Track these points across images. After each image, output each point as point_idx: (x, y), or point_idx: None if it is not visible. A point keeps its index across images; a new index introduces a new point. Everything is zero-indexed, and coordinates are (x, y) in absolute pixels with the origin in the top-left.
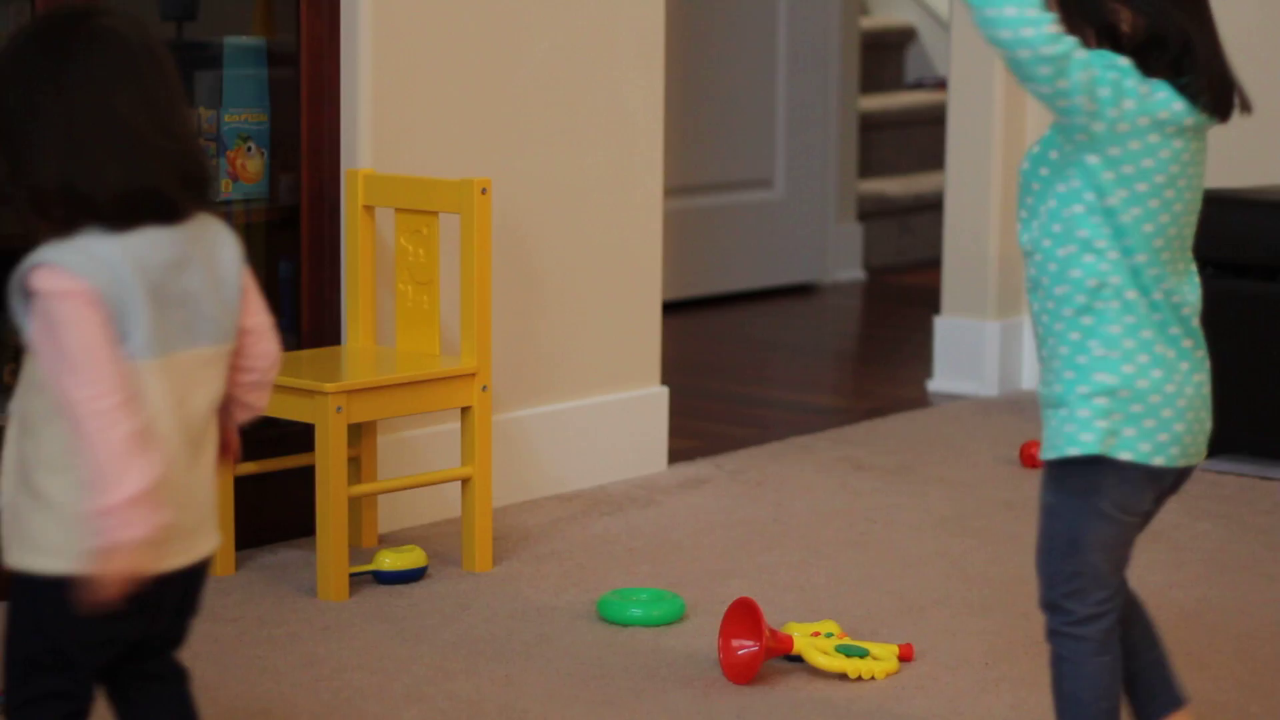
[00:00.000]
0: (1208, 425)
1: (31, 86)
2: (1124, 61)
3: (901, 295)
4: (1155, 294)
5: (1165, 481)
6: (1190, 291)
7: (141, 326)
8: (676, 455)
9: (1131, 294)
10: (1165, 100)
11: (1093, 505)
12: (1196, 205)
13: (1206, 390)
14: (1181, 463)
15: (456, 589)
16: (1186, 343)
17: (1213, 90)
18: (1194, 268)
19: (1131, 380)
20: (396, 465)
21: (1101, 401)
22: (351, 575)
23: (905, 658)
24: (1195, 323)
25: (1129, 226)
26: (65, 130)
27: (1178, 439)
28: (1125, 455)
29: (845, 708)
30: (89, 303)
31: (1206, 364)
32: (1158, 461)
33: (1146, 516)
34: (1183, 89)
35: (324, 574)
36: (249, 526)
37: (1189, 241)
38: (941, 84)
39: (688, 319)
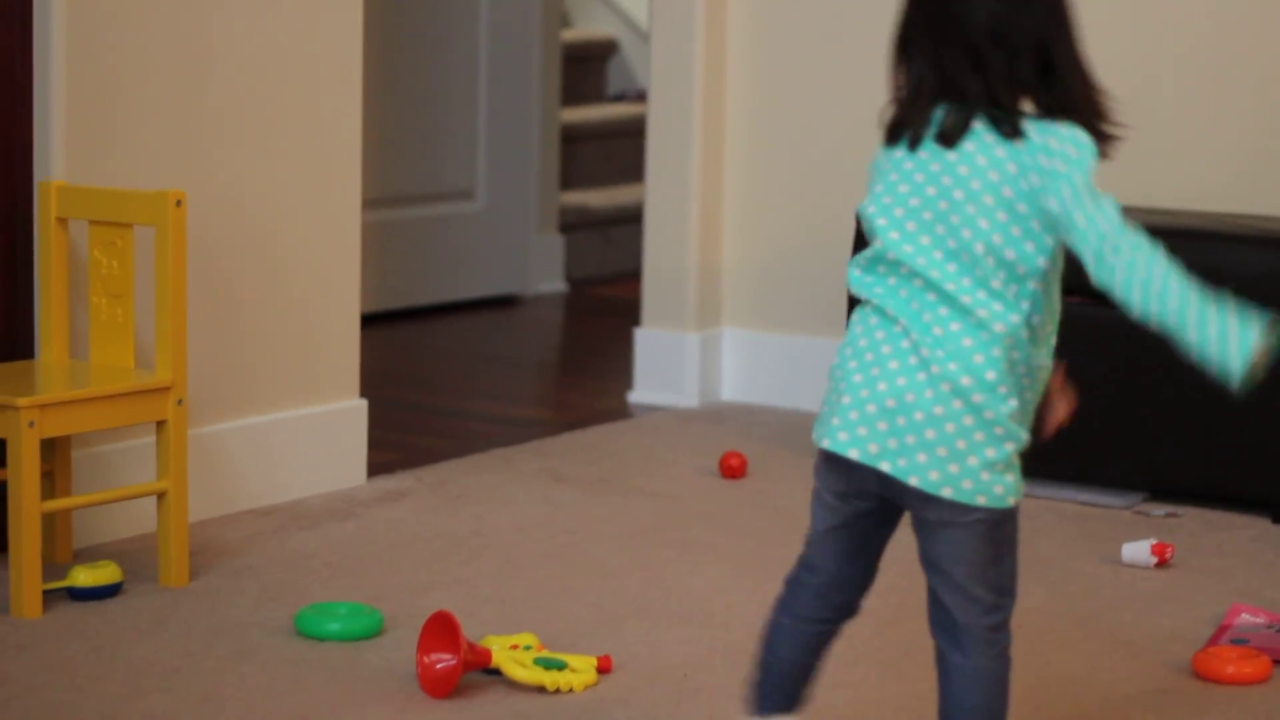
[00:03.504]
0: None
1: None
2: None
3: (603, 307)
4: None
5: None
6: None
7: None
8: (376, 468)
9: None
10: None
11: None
12: None
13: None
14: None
15: (152, 605)
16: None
17: None
18: None
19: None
20: (92, 480)
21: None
22: (45, 592)
23: (604, 669)
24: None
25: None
26: None
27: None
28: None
29: None
30: None
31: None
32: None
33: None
34: None
35: (16, 590)
36: None
37: None
38: (643, 96)
39: (388, 331)
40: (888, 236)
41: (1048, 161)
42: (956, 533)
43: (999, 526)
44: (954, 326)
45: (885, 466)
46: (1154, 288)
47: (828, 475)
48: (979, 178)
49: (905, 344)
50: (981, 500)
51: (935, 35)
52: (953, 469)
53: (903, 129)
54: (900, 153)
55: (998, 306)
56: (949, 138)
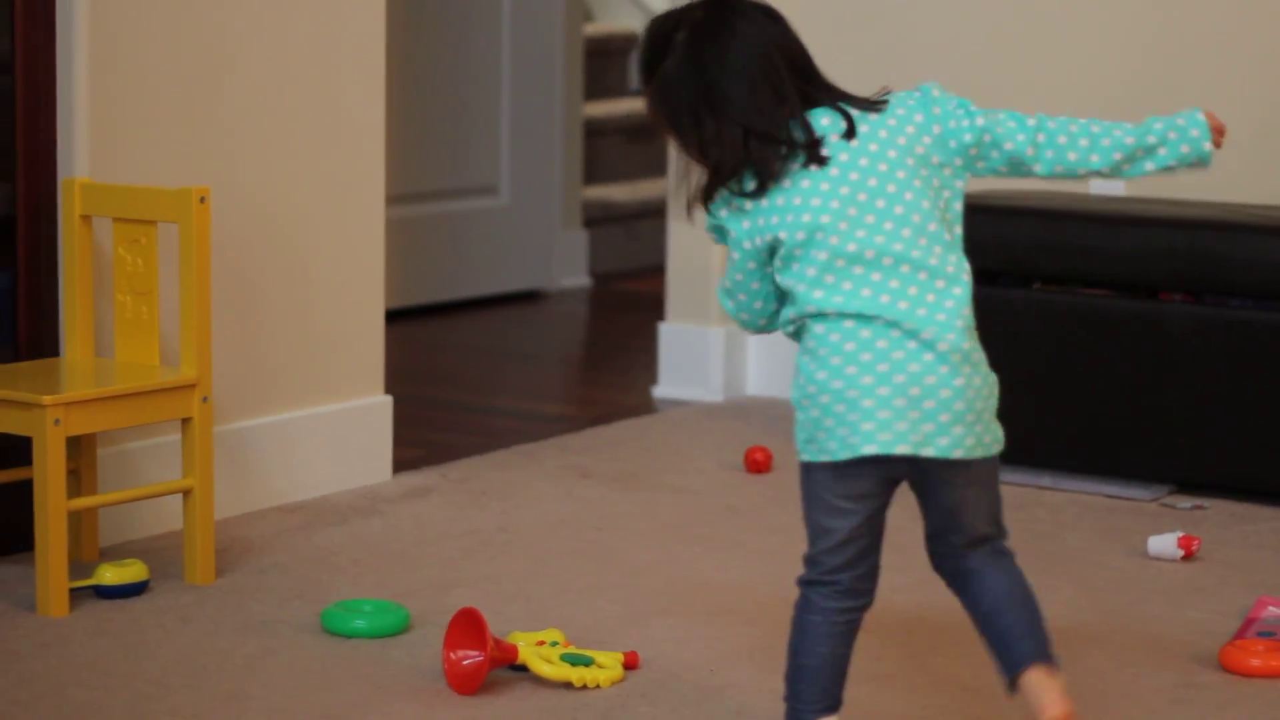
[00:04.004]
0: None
1: None
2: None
3: (627, 302)
4: None
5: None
6: None
7: None
8: (401, 465)
9: None
10: None
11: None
12: None
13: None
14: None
15: (178, 602)
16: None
17: None
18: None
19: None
20: (118, 478)
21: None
22: (72, 590)
23: (630, 665)
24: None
25: None
26: None
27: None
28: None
29: (570, 716)
30: None
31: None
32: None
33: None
34: None
35: (43, 589)
36: None
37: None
38: None
39: (413, 327)
40: (854, 235)
41: (939, 108)
42: (979, 490)
43: (997, 469)
44: (929, 298)
45: (929, 451)
46: (1101, 139)
47: (843, 482)
48: (894, 147)
49: (896, 334)
50: (996, 448)
51: (747, 80)
52: (979, 428)
53: (767, 166)
54: (790, 184)
55: (954, 257)
56: (849, 135)
